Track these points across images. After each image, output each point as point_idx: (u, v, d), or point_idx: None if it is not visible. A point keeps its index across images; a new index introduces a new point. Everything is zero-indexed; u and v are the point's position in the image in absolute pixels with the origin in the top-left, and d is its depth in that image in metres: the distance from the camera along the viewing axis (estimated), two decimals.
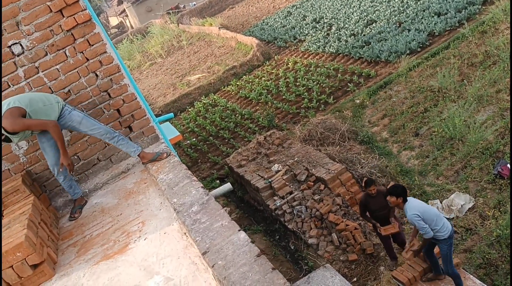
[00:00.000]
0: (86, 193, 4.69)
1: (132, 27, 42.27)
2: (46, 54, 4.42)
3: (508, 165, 7.79)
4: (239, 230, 2.97)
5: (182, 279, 2.96)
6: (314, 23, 20.19)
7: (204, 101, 17.53)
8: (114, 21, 48.54)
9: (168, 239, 3.44)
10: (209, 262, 2.81)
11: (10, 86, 4.38)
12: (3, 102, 4.00)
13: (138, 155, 4.51)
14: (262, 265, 2.59)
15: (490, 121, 9.23)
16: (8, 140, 3.97)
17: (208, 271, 2.92)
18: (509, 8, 12.08)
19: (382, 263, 7.38)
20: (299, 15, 22.37)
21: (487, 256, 6.60)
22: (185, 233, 3.40)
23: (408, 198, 5.65)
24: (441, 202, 7.88)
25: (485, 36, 12.35)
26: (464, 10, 14.14)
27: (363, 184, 7.02)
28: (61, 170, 4.22)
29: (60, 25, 4.38)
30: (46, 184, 4.70)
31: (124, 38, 34.11)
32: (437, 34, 13.95)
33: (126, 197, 4.35)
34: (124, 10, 44.21)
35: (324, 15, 20.41)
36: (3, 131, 3.84)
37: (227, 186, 4.88)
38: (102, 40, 4.55)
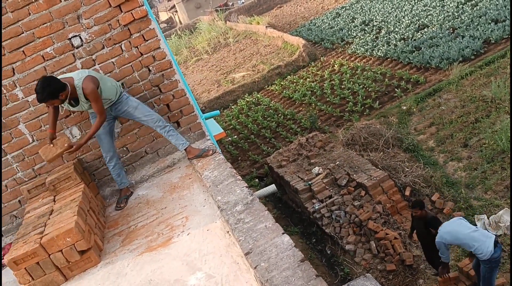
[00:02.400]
0: (133, 185, 4.82)
1: (180, 22, 43.07)
2: (103, 47, 4.58)
3: None
4: (283, 233, 2.96)
5: (223, 277, 2.99)
6: (363, 25, 19.84)
7: (248, 99, 17.61)
8: (163, 16, 49.61)
9: (211, 236, 3.48)
10: (251, 263, 2.81)
11: None
12: (81, 70, 4.24)
13: (185, 150, 4.59)
14: (305, 270, 2.57)
15: None
16: (76, 105, 4.16)
17: (249, 272, 2.92)
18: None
19: (421, 276, 7.17)
20: (347, 16, 22.04)
21: None
22: (228, 232, 3.43)
23: (448, 221, 5.85)
24: (488, 218, 7.56)
25: None
26: None
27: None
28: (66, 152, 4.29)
29: (118, 20, 4.52)
30: (95, 173, 4.87)
31: (173, 33, 34.79)
32: (493, 41, 13.37)
33: (170, 191, 4.43)
34: (174, 6, 45.10)
35: (374, 18, 20.01)
36: (79, 93, 4.04)
37: (272, 187, 4.89)
38: (157, 36, 4.66)
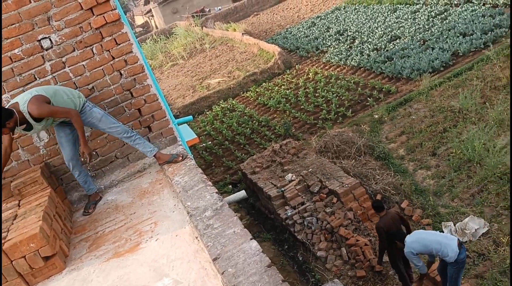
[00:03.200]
0: (102, 189, 4.75)
1: (156, 27, 42.80)
2: (74, 50, 4.51)
3: None
4: (251, 239, 2.98)
5: (191, 283, 2.97)
6: (337, 35, 20.18)
7: (222, 105, 17.62)
8: (139, 20, 49.21)
9: (180, 241, 3.46)
10: (219, 269, 2.81)
11: (36, 79, 4.47)
12: (27, 91, 4.10)
13: (154, 156, 4.55)
14: (272, 276, 2.59)
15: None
16: (30, 129, 4.05)
17: (217, 278, 2.92)
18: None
19: (390, 282, 7.28)
20: (323, 26, 22.37)
21: (498, 284, 6.47)
22: (196, 237, 3.42)
23: (412, 233, 6.10)
24: (454, 225, 7.77)
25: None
26: (490, 32, 13.97)
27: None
28: (82, 159, 4.30)
29: (90, 23, 4.47)
30: (63, 177, 4.78)
31: (148, 38, 34.53)
32: (461, 54, 13.81)
33: (140, 196, 4.39)
34: (150, 10, 44.81)
35: (348, 28, 20.38)
36: (28, 117, 3.91)
37: (242, 193, 4.89)
38: (129, 40, 4.62)
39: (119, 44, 4.59)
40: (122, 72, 4.69)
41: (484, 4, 16.68)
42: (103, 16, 4.44)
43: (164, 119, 4.96)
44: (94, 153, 4.81)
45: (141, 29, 45.63)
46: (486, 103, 10.75)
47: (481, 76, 12.03)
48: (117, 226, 4.00)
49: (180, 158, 4.56)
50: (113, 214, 4.26)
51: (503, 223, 7.49)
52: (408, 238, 5.93)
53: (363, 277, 7.40)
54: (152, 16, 44.29)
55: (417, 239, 5.89)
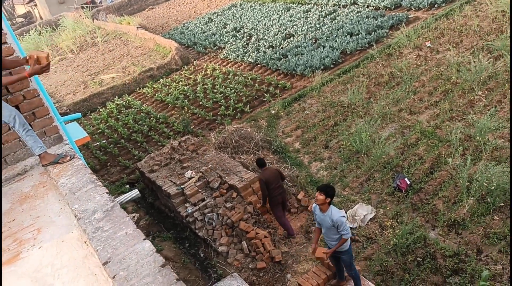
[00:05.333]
0: None
1: (41, 18, 39.49)
2: None
3: (406, 179, 8.42)
4: (144, 239, 2.84)
5: None
6: (234, 31, 20.39)
7: (117, 102, 16.83)
8: (21, 9, 45.01)
9: (66, 248, 3.19)
10: (109, 273, 2.65)
11: None
12: None
13: (38, 155, 4.16)
14: (166, 275, 2.50)
15: (393, 138, 9.93)
16: None
17: (108, 283, 2.75)
18: (510, 10, 12.93)
19: (289, 271, 7.55)
20: (220, 22, 22.45)
21: (384, 264, 7.03)
22: (85, 242, 3.18)
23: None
24: (346, 212, 8.28)
25: (391, 59, 13.33)
26: (373, 33, 15.16)
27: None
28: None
29: None
30: None
31: (32, 29, 31.72)
32: (349, 52, 14.78)
33: (20, 202, 3.98)
34: None
35: (245, 25, 20.69)
36: None
37: (134, 192, 4.69)
38: (2, 29, 4.16)
39: None
40: None
41: (367, 6, 18.04)
42: None
43: (47, 116, 4.56)
44: None
45: (23, 19, 41.83)
46: (371, 98, 11.63)
47: (366, 73, 13.00)
48: None
49: (68, 158, 4.23)
50: None
51: (387, 208, 8.16)
52: (334, 207, 5.83)
53: (263, 269, 7.58)
54: (36, 5, 40.78)
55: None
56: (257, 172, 9.38)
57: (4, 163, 4.49)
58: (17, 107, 4.39)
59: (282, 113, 12.57)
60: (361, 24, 16.15)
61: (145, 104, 16.05)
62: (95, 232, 3.04)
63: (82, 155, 5.02)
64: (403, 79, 11.86)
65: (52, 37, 29.62)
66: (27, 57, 3.87)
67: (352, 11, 17.88)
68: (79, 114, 6.06)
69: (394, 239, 7.29)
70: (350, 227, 7.70)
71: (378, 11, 17.19)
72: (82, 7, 33.31)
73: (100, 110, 16.73)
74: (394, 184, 8.48)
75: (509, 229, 6.90)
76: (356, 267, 6.46)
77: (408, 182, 8.39)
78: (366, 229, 7.87)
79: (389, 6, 17.24)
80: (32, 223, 3.62)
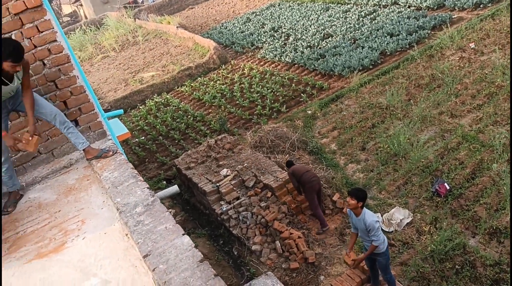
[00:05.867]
0: (23, 187, 4.45)
1: (86, 17, 40.84)
2: None
3: (446, 184, 8.20)
4: (183, 234, 2.92)
5: (120, 282, 2.86)
6: (272, 31, 20.41)
7: (156, 100, 17.20)
8: (67, 9, 46.69)
9: (109, 239, 3.32)
10: (149, 266, 2.73)
11: None
12: None
13: (83, 150, 4.33)
14: (204, 271, 2.55)
15: (432, 141, 9.69)
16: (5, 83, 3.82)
17: (148, 275, 2.83)
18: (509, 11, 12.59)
19: (323, 272, 7.52)
20: (258, 22, 22.53)
21: (421, 270, 6.88)
22: (126, 234, 3.29)
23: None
24: (382, 216, 8.15)
25: (432, 60, 12.99)
26: (415, 33, 14.82)
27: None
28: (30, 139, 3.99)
29: (8, 8, 4.15)
30: None
31: (77, 28, 32.83)
32: (388, 53, 14.51)
33: (66, 193, 4.15)
34: None
35: (283, 25, 20.68)
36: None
37: (174, 188, 4.80)
38: (53, 28, 4.35)
39: (42, 32, 4.31)
40: (45, 61, 4.41)
41: (409, 7, 17.65)
42: (23, 1, 4.15)
43: (93, 112, 4.74)
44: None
45: (69, 18, 43.37)
46: (411, 100, 11.39)
47: (406, 74, 12.72)
48: (40, 226, 3.76)
49: (110, 153, 4.38)
50: (35, 212, 4.00)
51: (425, 213, 7.97)
52: (367, 211, 5.81)
53: (296, 269, 7.57)
54: (81, 5, 42.20)
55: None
56: None
57: (51, 156, 4.70)
58: (64, 103, 4.58)
59: (318, 114, 12.50)
60: (401, 24, 15.83)
61: (183, 102, 16.32)
62: (136, 225, 3.14)
63: (123, 150, 5.18)
64: (444, 81, 11.54)
65: (96, 35, 30.57)
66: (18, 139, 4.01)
67: (392, 11, 17.55)
68: (121, 111, 6.25)
69: (432, 245, 7.12)
70: (386, 231, 7.62)
71: (420, 11, 16.78)
72: (125, 7, 34.21)
73: (140, 107, 17.14)
74: (433, 188, 8.27)
75: None
76: (392, 271, 6.36)
77: (448, 187, 8.17)
78: (403, 234, 7.72)
79: (431, 6, 16.81)
80: (77, 214, 3.78)
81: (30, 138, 3.92)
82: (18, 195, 4.29)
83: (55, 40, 4.39)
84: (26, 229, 3.77)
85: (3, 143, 4.03)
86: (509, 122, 9.45)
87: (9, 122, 4.38)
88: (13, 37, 4.23)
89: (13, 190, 4.24)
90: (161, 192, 4.70)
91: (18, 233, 3.75)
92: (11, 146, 3.89)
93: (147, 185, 3.64)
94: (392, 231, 7.86)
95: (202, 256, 2.66)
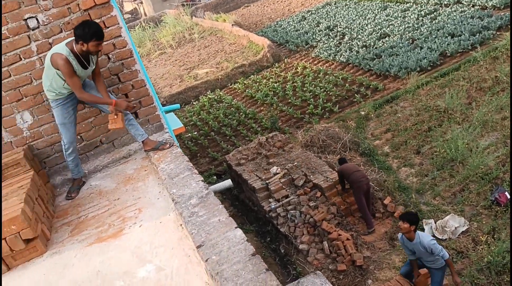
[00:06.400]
0: (85, 174, 4.69)
1: (145, 14, 42.23)
2: (61, 31, 4.42)
3: (506, 193, 7.79)
4: (235, 228, 2.97)
5: (174, 270, 2.96)
6: (327, 30, 20.19)
7: (210, 96, 17.52)
8: (128, 6, 48.49)
9: (164, 228, 3.44)
10: (202, 256, 2.80)
11: (21, 59, 4.37)
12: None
13: (142, 141, 4.51)
14: (256, 264, 2.59)
15: (493, 147, 9.23)
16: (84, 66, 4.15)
17: (201, 265, 2.91)
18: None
19: (370, 276, 7.37)
20: (313, 21, 22.36)
21: (475, 281, 6.59)
22: (181, 225, 3.40)
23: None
24: (435, 222, 7.88)
25: (497, 62, 12.34)
26: (478, 34, 14.14)
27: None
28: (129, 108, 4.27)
29: (78, 4, 4.39)
30: (46, 160, 4.70)
31: (137, 25, 34.05)
32: (448, 54, 13.95)
33: (125, 182, 4.34)
34: None
35: (338, 24, 20.40)
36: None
37: (228, 182, 4.89)
38: (118, 24, 4.55)
39: (108, 27, 4.52)
40: (110, 56, 4.62)
41: (473, 6, 16.86)
42: None
43: (152, 105, 4.92)
44: (78, 137, 4.73)
45: (130, 15, 44.96)
46: (472, 103, 10.90)
47: (467, 77, 12.18)
48: (100, 211, 3.96)
49: (167, 145, 4.53)
50: (96, 199, 4.21)
51: (483, 222, 7.62)
52: (422, 233, 5.75)
53: (343, 271, 7.47)
54: (141, 2, 43.67)
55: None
56: None
57: (112, 146, 4.92)
58: (126, 95, 4.78)
59: (372, 115, 12.24)
60: (464, 24, 15.15)
61: (235, 99, 16.53)
62: (191, 216, 3.23)
63: (178, 144, 5.33)
64: (509, 84, 10.94)
65: (154, 32, 31.55)
66: (114, 106, 4.21)
67: (455, 11, 16.82)
68: (178, 105, 6.42)
69: (489, 256, 6.79)
70: (439, 239, 7.37)
71: (485, 10, 15.98)
72: (183, 5, 35.04)
73: (194, 103, 17.53)
74: (492, 197, 7.88)
75: None
76: (444, 281, 6.13)
77: (509, 197, 7.75)
78: (457, 242, 7.42)
79: (498, 6, 15.95)
80: (134, 203, 3.94)
81: (115, 117, 4.17)
82: (81, 182, 4.53)
83: (120, 35, 4.59)
84: (87, 214, 3.98)
85: (71, 133, 4.29)
86: None
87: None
88: None
89: (77, 177, 4.49)
90: (215, 185, 4.80)
91: (80, 218, 3.96)
92: (129, 106, 4.22)
93: (202, 178, 3.73)
94: (446, 239, 7.57)
95: (254, 250, 2.70)
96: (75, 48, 3.96)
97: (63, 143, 4.32)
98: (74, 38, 3.98)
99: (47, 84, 4.12)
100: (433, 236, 7.49)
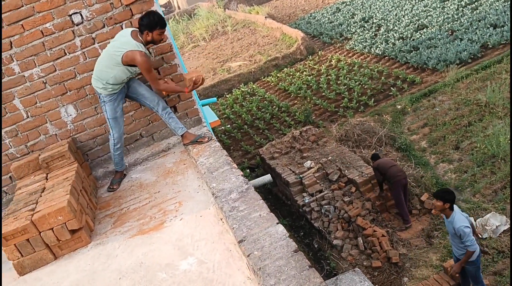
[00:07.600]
0: (126, 167, 4.79)
1: (179, 7, 42.61)
2: (104, 26, 4.51)
3: None
4: (277, 223, 2.97)
5: (215, 264, 2.99)
6: (362, 22, 19.82)
7: (243, 89, 17.55)
8: (162, 0, 49.09)
9: (204, 222, 3.47)
10: (244, 251, 2.81)
11: (66, 54, 4.49)
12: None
13: (181, 135, 4.56)
14: (299, 261, 2.58)
15: None
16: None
17: (242, 260, 2.93)
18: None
19: (406, 274, 7.25)
20: (348, 12, 21.99)
21: None
22: (221, 219, 3.42)
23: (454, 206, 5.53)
24: (475, 220, 7.65)
25: None
26: None
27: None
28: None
29: (120, 0, 4.45)
30: (89, 153, 4.83)
31: (170, 18, 34.41)
32: (490, 46, 13.44)
33: (164, 176, 4.41)
34: None
35: (374, 15, 19.99)
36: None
37: (267, 177, 4.89)
38: None
39: None
40: (150, 50, 4.68)
41: None
42: None
43: (190, 99, 4.96)
44: None
45: (164, 9, 45.46)
46: None
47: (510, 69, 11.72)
48: (141, 204, 4.04)
49: (206, 139, 4.56)
50: (137, 191, 4.29)
51: None
52: (457, 214, 5.48)
53: (378, 268, 7.38)
54: None
55: (464, 217, 5.53)
56: None
57: (152, 139, 5.00)
58: None
59: (409, 109, 11.96)
60: (508, 14, 14.52)
61: (268, 92, 16.49)
62: (231, 211, 3.25)
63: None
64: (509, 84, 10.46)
65: (188, 25, 31.80)
66: (187, 78, 4.44)
67: (497, 0, 16.16)
68: (214, 99, 6.47)
69: None
70: (479, 237, 7.15)
71: None
72: None
73: (227, 96, 17.61)
74: None
75: None
76: (484, 281, 5.96)
77: None
78: (498, 242, 7.19)
79: None
80: (174, 196, 4.00)
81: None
82: (122, 175, 4.63)
83: None
84: (129, 206, 4.06)
85: (121, 127, 4.40)
86: None
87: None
88: (123, 27, 4.54)
89: (120, 170, 4.59)
90: (255, 180, 4.81)
91: (122, 210, 4.06)
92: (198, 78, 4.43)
93: (241, 173, 3.74)
94: (486, 237, 7.35)
95: (296, 246, 2.69)
96: (142, 40, 4.10)
97: (113, 137, 4.41)
98: (133, 30, 4.13)
99: (105, 79, 4.17)
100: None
